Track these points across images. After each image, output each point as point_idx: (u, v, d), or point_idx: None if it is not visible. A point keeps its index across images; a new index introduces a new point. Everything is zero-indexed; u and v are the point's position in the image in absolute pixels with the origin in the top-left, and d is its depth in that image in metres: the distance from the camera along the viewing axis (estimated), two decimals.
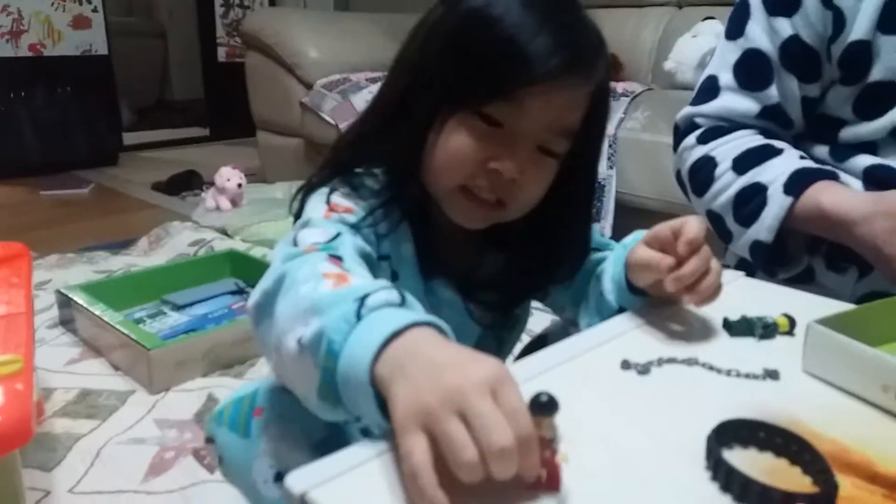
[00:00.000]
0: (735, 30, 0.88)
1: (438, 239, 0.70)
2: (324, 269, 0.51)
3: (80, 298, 1.39)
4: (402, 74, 0.67)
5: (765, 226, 0.80)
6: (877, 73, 0.78)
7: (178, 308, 1.53)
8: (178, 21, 4.46)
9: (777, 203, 0.79)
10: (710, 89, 0.91)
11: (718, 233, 0.88)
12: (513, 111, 0.61)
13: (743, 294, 0.67)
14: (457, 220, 0.67)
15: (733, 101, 0.88)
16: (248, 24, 2.78)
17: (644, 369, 0.52)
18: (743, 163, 0.83)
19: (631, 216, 1.76)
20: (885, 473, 0.41)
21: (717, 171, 0.86)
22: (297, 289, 0.50)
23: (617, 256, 0.66)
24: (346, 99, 2.34)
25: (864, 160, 0.81)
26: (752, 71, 0.87)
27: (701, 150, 0.89)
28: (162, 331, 1.42)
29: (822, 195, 0.76)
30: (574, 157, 0.67)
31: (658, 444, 0.44)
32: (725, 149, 0.87)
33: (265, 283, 0.54)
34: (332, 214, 0.62)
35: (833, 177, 0.79)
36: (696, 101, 0.93)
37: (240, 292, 1.61)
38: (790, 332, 0.59)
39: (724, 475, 0.39)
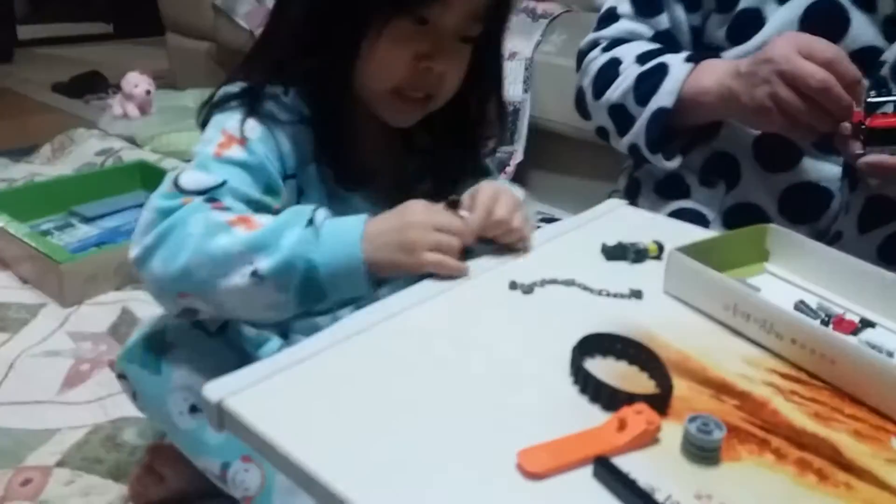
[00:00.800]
0: None
1: (361, 150, 0.73)
2: (223, 218, 0.59)
3: None
4: None
5: (665, 90, 0.86)
6: (744, 2, 0.87)
7: (88, 220, 1.51)
8: None
9: (677, 70, 0.86)
10: (609, 17, 0.99)
11: (619, 127, 0.95)
12: (439, 8, 0.66)
13: (621, 222, 0.75)
14: (390, 121, 0.72)
15: (630, 26, 0.97)
16: None
17: (528, 289, 0.59)
18: (645, 56, 0.91)
19: (544, 140, 1.82)
20: (714, 377, 0.50)
21: (622, 67, 0.93)
22: (208, 241, 0.58)
23: None
24: (260, 3, 2.26)
25: None
26: (645, 1, 0.96)
27: (606, 56, 0.96)
28: (71, 244, 1.40)
29: (715, 60, 0.86)
30: (483, 39, 0.72)
31: (532, 354, 0.51)
32: (628, 48, 0.94)
33: (145, 238, 0.60)
34: (223, 152, 0.64)
35: None
36: (597, 28, 1.01)
37: None
38: (659, 257, 0.67)
39: (583, 380, 0.47)
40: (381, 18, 0.65)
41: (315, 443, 0.41)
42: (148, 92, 2.15)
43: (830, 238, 0.85)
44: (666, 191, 0.96)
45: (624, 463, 0.40)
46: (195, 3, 2.45)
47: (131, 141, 2.03)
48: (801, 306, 0.58)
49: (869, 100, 0.73)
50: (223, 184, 0.62)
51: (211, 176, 0.62)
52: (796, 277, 0.64)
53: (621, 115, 0.93)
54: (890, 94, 0.74)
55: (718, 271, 0.58)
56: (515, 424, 0.44)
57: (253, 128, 0.67)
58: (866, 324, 0.56)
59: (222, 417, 0.44)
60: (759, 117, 0.77)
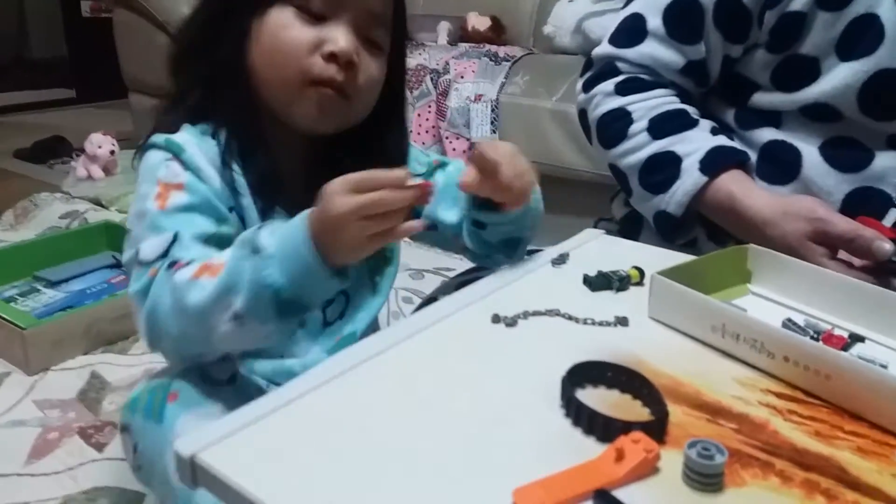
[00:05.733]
0: None
1: (283, 170, 0.72)
2: (187, 275, 0.59)
3: None
4: None
5: (675, 199, 0.81)
6: (804, 47, 0.78)
7: (53, 284, 1.46)
8: None
9: (691, 179, 0.80)
10: (634, 31, 0.87)
11: (620, 184, 0.90)
12: (332, 2, 0.65)
13: (601, 251, 0.74)
14: (310, 121, 0.69)
15: (659, 51, 0.85)
16: None
17: (511, 322, 0.57)
18: (660, 127, 0.84)
19: None
20: (709, 401, 0.48)
21: (632, 129, 0.85)
22: (184, 305, 0.58)
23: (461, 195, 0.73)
24: None
25: (765, 134, 0.83)
26: (684, 22, 0.83)
27: (617, 101, 0.87)
28: (36, 309, 1.35)
29: (734, 185, 0.79)
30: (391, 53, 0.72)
31: (520, 388, 0.49)
32: (643, 106, 0.85)
33: (140, 326, 0.63)
34: (167, 203, 0.64)
35: (745, 160, 0.82)
36: (619, 41, 0.89)
37: (118, 266, 1.56)
38: (641, 283, 0.66)
39: (575, 411, 0.45)
40: (261, 11, 0.66)
41: (296, 495, 0.38)
42: (112, 152, 2.13)
43: None
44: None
45: (624, 495, 0.38)
46: (158, 62, 2.44)
47: (96, 202, 2.00)
48: (788, 324, 0.58)
49: None
50: (175, 237, 0.62)
51: (163, 235, 0.63)
52: (780, 296, 0.63)
53: (625, 184, 0.88)
54: None
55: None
56: (508, 462, 0.42)
57: (187, 170, 0.66)
58: (856, 338, 0.56)
59: (195, 473, 0.41)
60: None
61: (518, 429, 0.45)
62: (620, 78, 0.88)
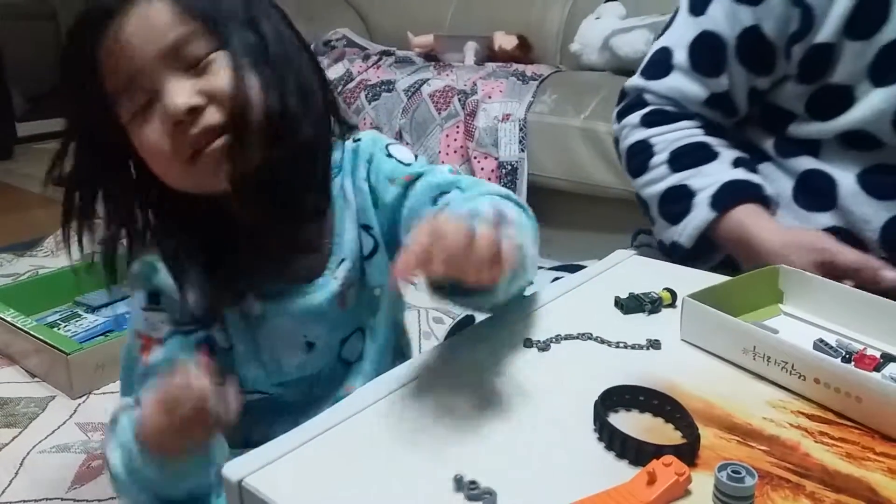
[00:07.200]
0: (699, 6, 0.86)
1: (252, 261, 0.66)
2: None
3: None
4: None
5: (685, 233, 0.84)
6: (835, 76, 0.78)
7: (94, 309, 1.50)
8: (69, 1, 4.23)
9: (701, 215, 0.83)
10: (661, 64, 0.90)
11: (644, 212, 0.93)
12: (119, 77, 0.59)
13: (631, 273, 0.75)
14: (220, 186, 0.60)
15: (683, 84, 0.88)
16: None
17: (544, 346, 0.58)
18: (679, 160, 0.86)
19: (543, 197, 1.84)
20: (741, 423, 0.49)
21: (653, 161, 0.88)
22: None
23: None
24: None
25: (804, 162, 0.84)
26: (706, 55, 0.86)
27: (642, 133, 0.90)
28: (77, 333, 1.40)
29: (747, 219, 0.81)
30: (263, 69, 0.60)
31: (553, 412, 0.50)
32: (665, 139, 0.88)
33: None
34: (149, 360, 0.67)
35: (758, 194, 0.83)
36: (647, 73, 0.93)
37: None
38: (673, 305, 0.66)
39: (608, 435, 0.46)
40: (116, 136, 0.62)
41: None
42: None
43: None
44: None
45: None
46: None
47: None
48: (820, 345, 0.58)
49: None
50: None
51: (137, 411, 0.61)
52: (813, 316, 0.63)
53: (648, 212, 0.91)
54: None
55: (734, 315, 0.57)
56: (542, 485, 0.43)
57: (160, 321, 0.67)
58: (889, 358, 0.56)
59: (242, 497, 0.43)
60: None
61: (552, 453, 0.46)
62: (646, 110, 0.91)
